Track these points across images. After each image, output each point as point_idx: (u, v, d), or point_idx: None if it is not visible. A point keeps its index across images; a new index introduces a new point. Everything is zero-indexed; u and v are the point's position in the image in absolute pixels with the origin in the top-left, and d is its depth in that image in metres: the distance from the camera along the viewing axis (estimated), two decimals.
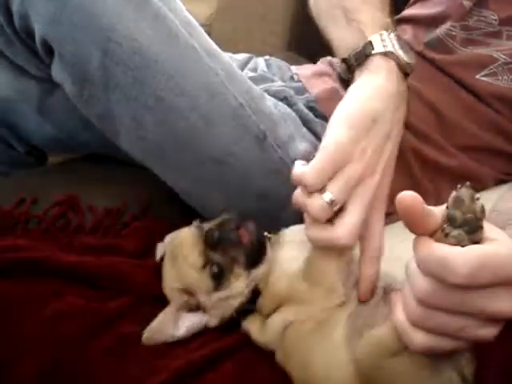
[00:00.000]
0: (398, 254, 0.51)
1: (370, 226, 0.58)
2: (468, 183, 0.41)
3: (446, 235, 0.41)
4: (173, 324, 0.61)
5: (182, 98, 0.66)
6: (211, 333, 0.63)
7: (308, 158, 0.56)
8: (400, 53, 0.62)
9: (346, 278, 0.58)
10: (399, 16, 0.89)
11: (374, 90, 0.60)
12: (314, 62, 0.95)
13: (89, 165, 0.88)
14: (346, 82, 0.66)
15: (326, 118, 0.77)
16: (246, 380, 0.58)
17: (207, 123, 0.68)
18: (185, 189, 0.75)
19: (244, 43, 1.30)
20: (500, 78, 0.76)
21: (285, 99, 0.79)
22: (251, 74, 0.86)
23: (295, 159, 0.58)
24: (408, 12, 0.88)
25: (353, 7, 0.68)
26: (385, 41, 0.62)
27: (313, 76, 0.87)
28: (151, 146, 0.69)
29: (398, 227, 0.45)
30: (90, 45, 0.62)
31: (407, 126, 0.67)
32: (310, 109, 0.80)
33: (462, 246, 0.40)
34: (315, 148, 0.67)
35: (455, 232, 0.41)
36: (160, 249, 0.69)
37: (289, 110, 0.78)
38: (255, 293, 0.61)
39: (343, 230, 0.55)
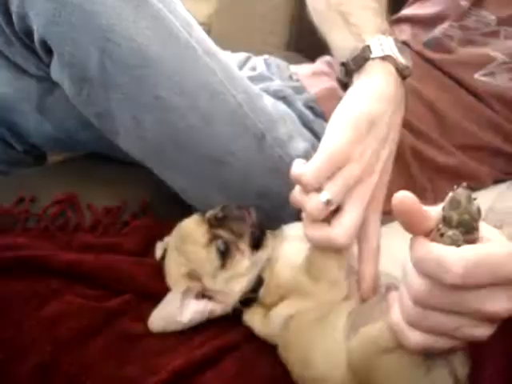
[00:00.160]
0: (397, 253, 0.51)
1: (367, 227, 0.59)
2: (465, 184, 0.41)
3: (442, 235, 0.41)
4: (179, 310, 0.61)
5: (182, 97, 0.66)
6: (211, 330, 0.63)
7: (307, 156, 0.57)
8: (398, 56, 0.62)
9: (348, 273, 0.59)
10: (398, 16, 0.89)
11: (373, 92, 0.60)
12: (314, 62, 0.95)
13: (88, 164, 0.87)
14: (344, 85, 0.66)
15: (324, 117, 0.77)
16: (246, 378, 0.58)
17: (206, 123, 0.68)
18: (184, 188, 0.75)
19: (244, 43, 1.30)
20: (499, 77, 0.76)
21: (284, 98, 0.79)
22: (250, 74, 0.86)
23: (294, 158, 0.58)
24: (406, 12, 0.89)
25: (350, 11, 0.68)
26: (383, 45, 0.62)
27: (312, 75, 0.87)
28: (150, 146, 0.69)
29: (397, 227, 0.45)
30: (88, 45, 0.62)
31: (406, 125, 0.67)
32: (309, 108, 0.80)
33: (458, 246, 0.40)
34: (314, 147, 0.68)
35: (450, 232, 0.41)
36: (160, 247, 0.69)
37: (288, 109, 0.78)
38: (258, 282, 0.62)
39: (340, 230, 0.55)
